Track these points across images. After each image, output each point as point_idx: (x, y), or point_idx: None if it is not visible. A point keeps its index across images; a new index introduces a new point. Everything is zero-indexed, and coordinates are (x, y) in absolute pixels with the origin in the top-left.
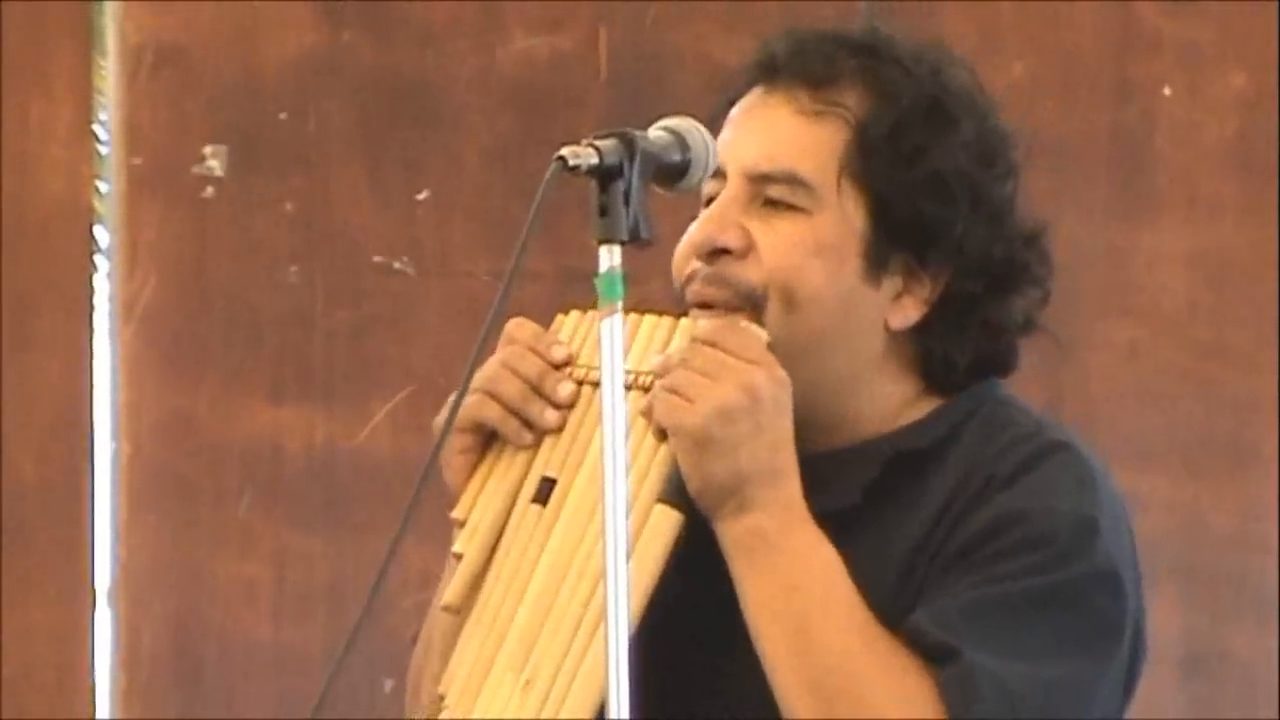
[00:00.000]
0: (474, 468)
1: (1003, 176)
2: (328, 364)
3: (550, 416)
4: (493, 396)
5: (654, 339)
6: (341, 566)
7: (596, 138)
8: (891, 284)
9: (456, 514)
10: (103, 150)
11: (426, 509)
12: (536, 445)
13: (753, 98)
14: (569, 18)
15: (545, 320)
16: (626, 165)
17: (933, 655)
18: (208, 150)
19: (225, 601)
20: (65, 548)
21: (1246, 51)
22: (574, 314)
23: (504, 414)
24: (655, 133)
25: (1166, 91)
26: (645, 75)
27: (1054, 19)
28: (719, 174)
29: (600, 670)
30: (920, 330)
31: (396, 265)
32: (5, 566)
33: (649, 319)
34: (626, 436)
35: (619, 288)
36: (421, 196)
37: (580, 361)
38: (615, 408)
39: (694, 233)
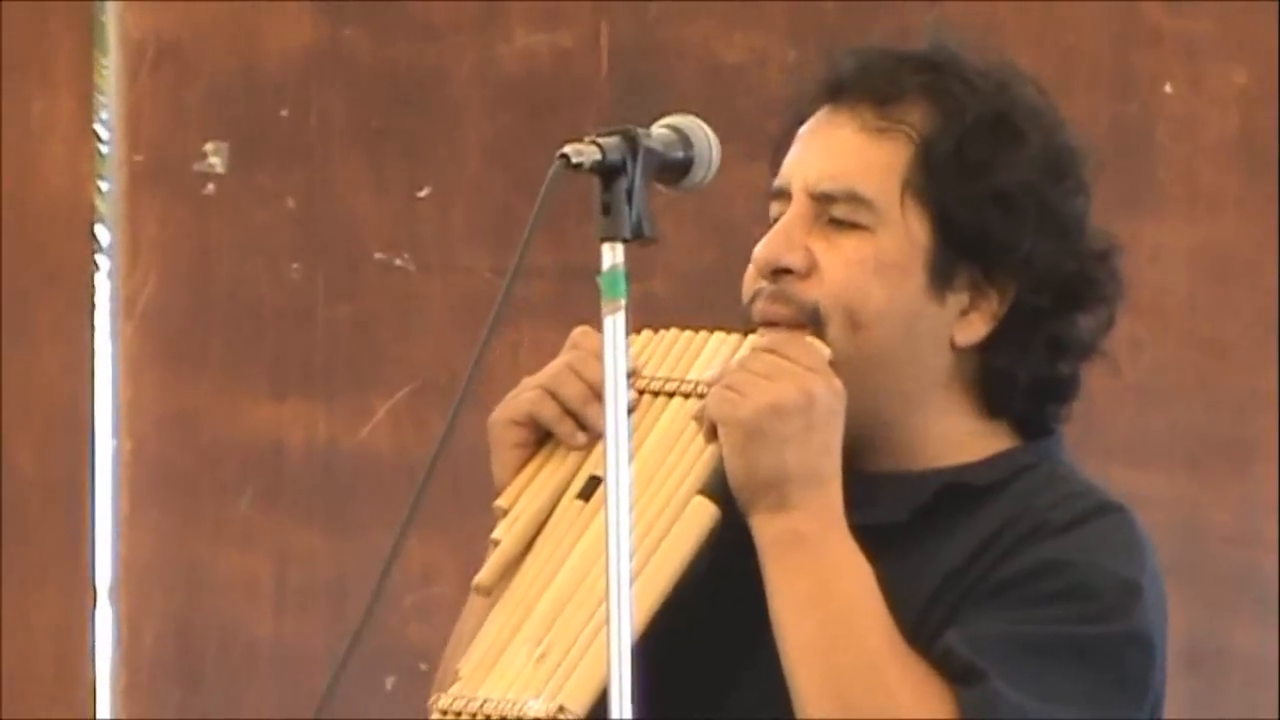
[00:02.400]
0: (524, 462)
1: (1072, 192)
2: (329, 360)
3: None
4: (553, 396)
5: (718, 354)
6: (343, 563)
7: (599, 135)
8: (957, 300)
9: (501, 503)
10: (104, 147)
11: (429, 506)
12: (589, 447)
13: (818, 117)
14: (571, 13)
15: (546, 316)
16: (629, 162)
17: (959, 676)
18: (209, 146)
19: (226, 598)
20: (66, 544)
21: (1247, 47)
22: (645, 333)
23: (560, 414)
24: (658, 130)
25: (1167, 87)
26: (647, 72)
27: (1055, 14)
28: (783, 194)
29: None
30: (985, 348)
31: (398, 262)
32: (5, 563)
33: (716, 335)
34: (675, 439)
35: (621, 286)
36: (423, 193)
37: (644, 373)
38: (618, 407)
39: (758, 252)
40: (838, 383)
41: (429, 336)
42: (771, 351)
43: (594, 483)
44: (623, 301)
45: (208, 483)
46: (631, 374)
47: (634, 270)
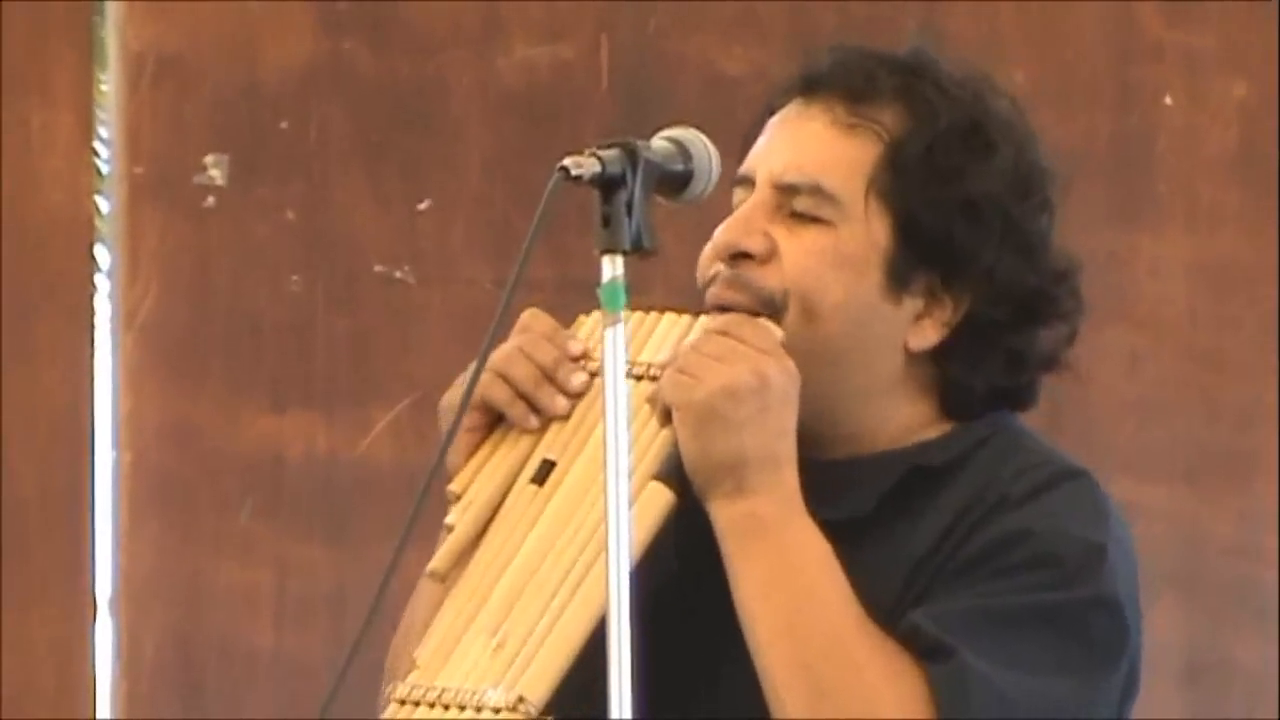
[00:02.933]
0: (476, 446)
1: (1038, 209)
2: (329, 372)
3: (560, 403)
4: (504, 379)
5: (669, 335)
6: (343, 575)
7: (599, 147)
8: (913, 304)
9: (453, 487)
10: (103, 160)
11: (428, 518)
12: (542, 430)
13: (790, 108)
14: (571, 26)
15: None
16: (629, 175)
17: (927, 653)
18: (209, 159)
19: (226, 610)
20: (66, 556)
21: (1247, 60)
22: (595, 314)
23: (512, 396)
24: (658, 142)
25: (1167, 100)
26: (647, 84)
27: (1055, 26)
28: (747, 181)
29: (570, 639)
30: (940, 354)
31: (398, 274)
32: (6, 575)
33: (667, 316)
34: (630, 422)
35: (621, 298)
36: (423, 205)
37: (596, 355)
38: (618, 413)
39: (718, 236)
40: (791, 365)
41: (429, 349)
42: (724, 334)
43: (547, 467)
44: (622, 314)
45: (208, 495)
46: (582, 356)
47: (634, 282)
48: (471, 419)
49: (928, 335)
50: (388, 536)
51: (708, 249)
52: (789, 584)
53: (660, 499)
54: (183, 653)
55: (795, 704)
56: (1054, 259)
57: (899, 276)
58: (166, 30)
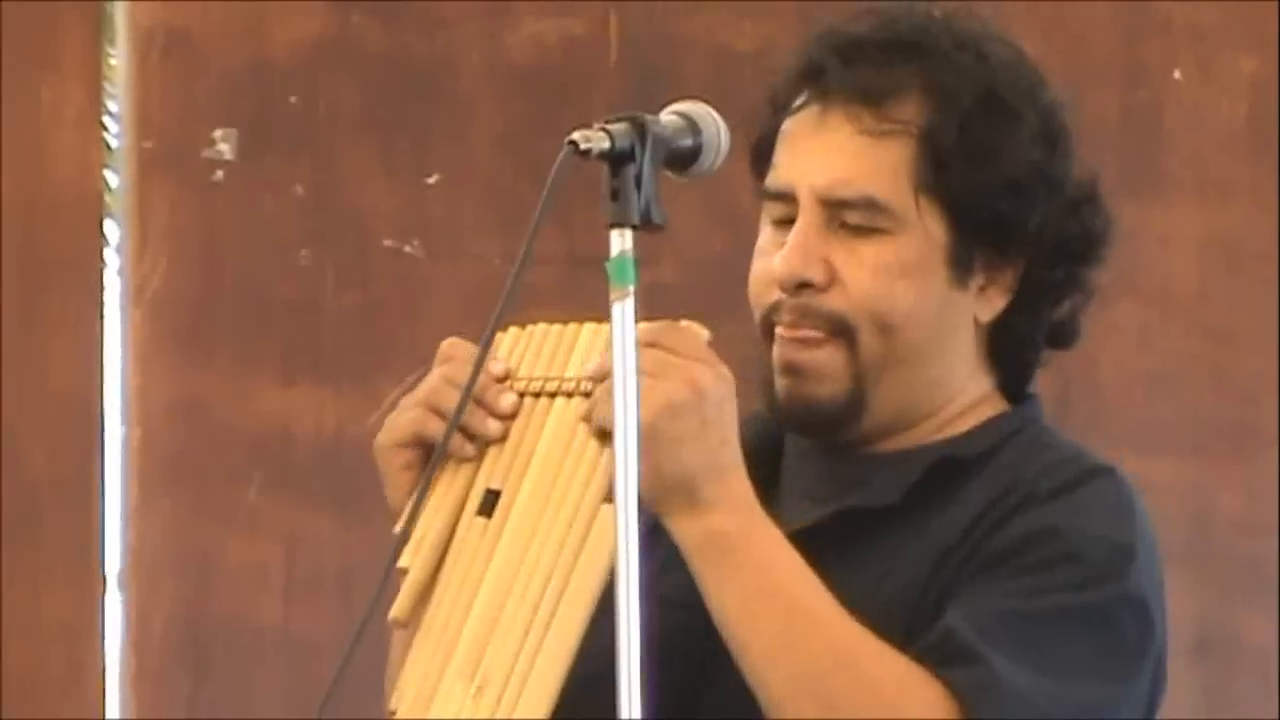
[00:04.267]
0: (415, 483)
1: (1065, 151)
2: (338, 347)
3: (493, 425)
4: (434, 411)
5: (595, 346)
6: (352, 550)
7: (608, 122)
8: (975, 282)
9: (398, 529)
10: (113, 134)
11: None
12: (479, 458)
13: (809, 117)
14: (580, 1)
15: (555, 303)
16: (638, 149)
17: (956, 658)
18: (218, 134)
19: (235, 586)
20: (75, 532)
21: (1257, 34)
22: (512, 330)
23: (442, 427)
24: (667, 117)
25: (1177, 75)
26: (656, 59)
27: (1064, 3)
28: (785, 197)
29: (552, 669)
30: (1003, 315)
31: (407, 249)
32: (15, 551)
33: (588, 326)
34: (568, 443)
35: (630, 272)
36: (432, 180)
37: (520, 374)
38: (627, 395)
39: (777, 266)
40: (724, 368)
41: (438, 323)
42: (652, 345)
43: (492, 496)
44: (631, 288)
45: (217, 470)
46: (505, 377)
47: (642, 257)
48: (407, 457)
49: (995, 304)
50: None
51: (761, 273)
52: (775, 600)
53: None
54: (191, 627)
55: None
56: (1079, 188)
57: (961, 265)
58: (175, 5)
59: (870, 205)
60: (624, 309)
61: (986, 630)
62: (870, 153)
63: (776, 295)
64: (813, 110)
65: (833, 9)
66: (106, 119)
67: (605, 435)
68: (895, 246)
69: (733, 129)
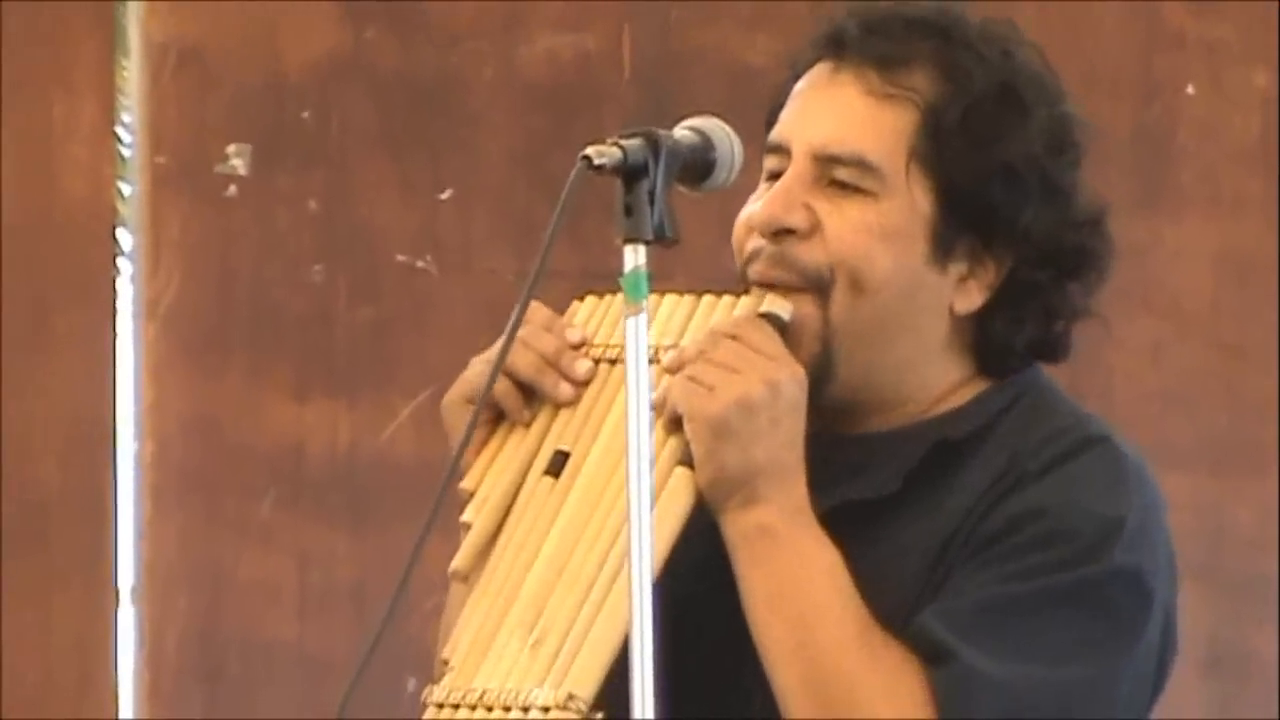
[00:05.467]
0: (485, 441)
1: (1071, 163)
2: (351, 362)
3: (565, 389)
4: (506, 372)
5: (674, 317)
6: (365, 566)
7: (621, 137)
8: (956, 269)
9: (466, 484)
10: (126, 150)
11: (450, 509)
12: (549, 420)
13: (820, 74)
14: (593, 17)
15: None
16: (651, 164)
17: (929, 656)
18: (231, 149)
19: (248, 601)
20: (88, 547)
21: (1270, 50)
22: (589, 299)
23: (508, 388)
24: (680, 132)
25: (1190, 90)
26: (669, 74)
27: (1077, 18)
28: (781, 150)
29: (613, 631)
30: (981, 314)
31: (420, 264)
32: (28, 566)
33: (669, 298)
34: (650, 407)
35: (644, 287)
36: (445, 195)
37: (596, 341)
38: (640, 400)
39: (758, 210)
40: (800, 370)
41: (451, 339)
42: (733, 338)
43: (561, 458)
44: (645, 303)
45: (230, 485)
46: (581, 343)
47: (656, 272)
48: (471, 413)
49: (973, 298)
50: (409, 526)
51: (743, 221)
52: (795, 599)
53: (691, 484)
54: (205, 642)
55: (802, 715)
56: (1084, 207)
57: (943, 244)
58: (189, 20)
59: (860, 164)
60: (638, 324)
61: (961, 623)
62: (871, 114)
63: (757, 242)
64: (824, 68)
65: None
66: (120, 133)
67: (675, 423)
68: (879, 209)
69: (746, 143)
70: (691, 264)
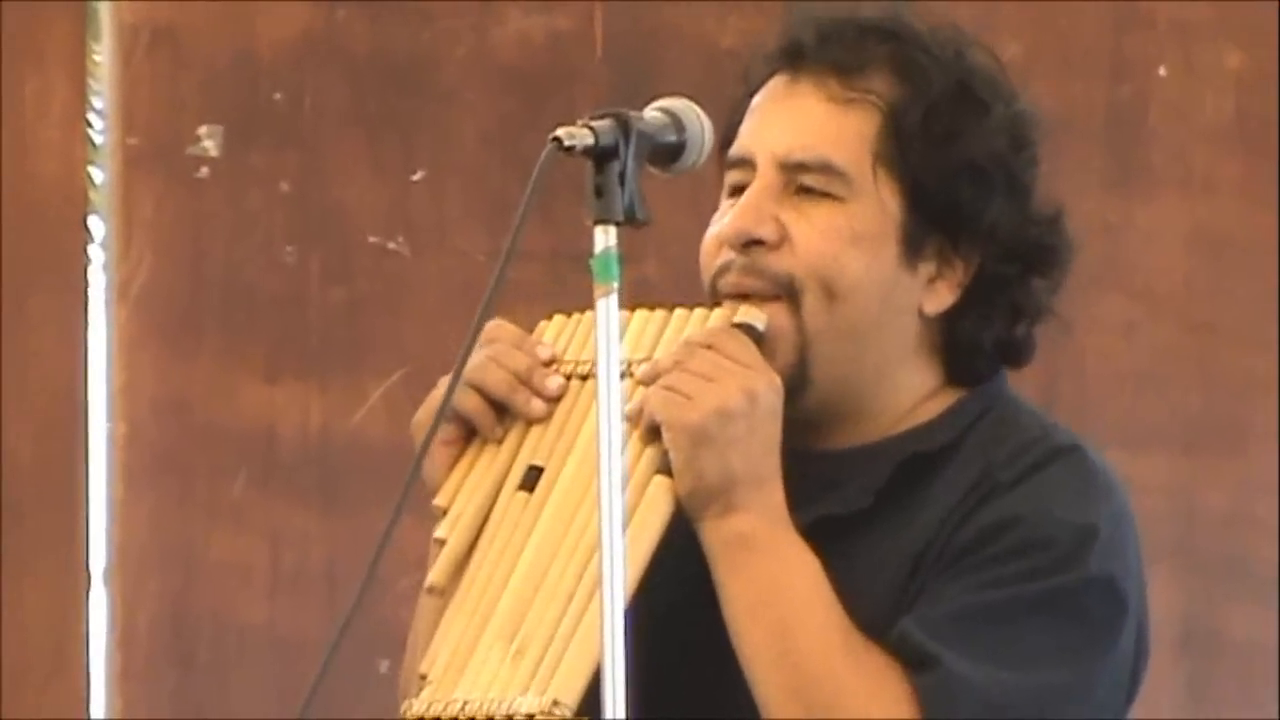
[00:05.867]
0: (456, 459)
1: (1030, 160)
2: (323, 344)
3: (536, 405)
4: (476, 389)
5: (645, 332)
6: (336, 547)
7: (592, 118)
8: (926, 269)
9: (439, 501)
10: (97, 131)
11: (421, 490)
12: (521, 436)
13: (779, 85)
14: None
15: (539, 299)
16: (622, 146)
17: (914, 662)
18: (203, 130)
19: (220, 582)
20: (60, 528)
21: (1243, 30)
22: (557, 318)
23: (481, 405)
24: (651, 114)
25: (1162, 70)
26: (642, 55)
27: None
28: (745, 163)
29: (595, 639)
30: (950, 314)
31: (392, 245)
32: (1, 547)
33: (639, 313)
34: (624, 418)
35: (614, 269)
36: (417, 176)
37: (566, 358)
38: (610, 391)
39: (726, 224)
40: (776, 378)
41: (423, 320)
42: (709, 347)
43: (535, 473)
44: (615, 285)
45: (202, 466)
46: (551, 360)
47: (626, 253)
48: (447, 432)
49: (943, 298)
50: (382, 508)
51: (712, 236)
52: (776, 602)
53: (667, 493)
54: (176, 623)
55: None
56: (1044, 205)
57: (913, 245)
58: (160, 1)
59: (826, 169)
60: (608, 305)
61: (941, 630)
62: (834, 119)
63: (727, 255)
64: (782, 79)
65: (816, 4)
66: (91, 115)
67: (653, 433)
68: (848, 213)
69: (717, 125)
70: (662, 245)
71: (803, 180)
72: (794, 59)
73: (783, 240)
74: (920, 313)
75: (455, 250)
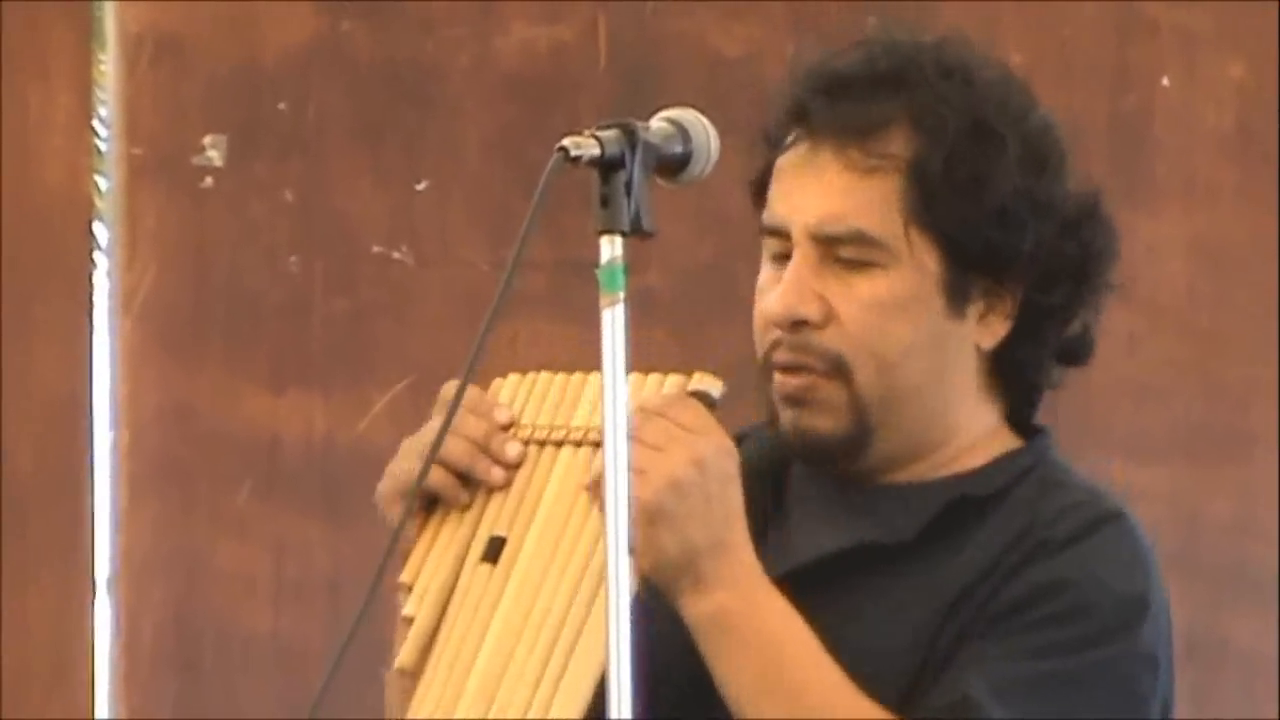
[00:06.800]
0: (420, 529)
1: (1055, 175)
2: (327, 353)
3: (497, 473)
4: (438, 460)
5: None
6: (340, 556)
7: (598, 128)
8: (974, 309)
9: (404, 578)
10: (102, 140)
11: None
12: (483, 506)
13: (799, 155)
14: (569, 7)
15: (547, 312)
16: (628, 156)
17: (964, 712)
18: (207, 140)
19: (224, 590)
20: (65, 536)
21: (1245, 41)
22: (512, 377)
23: (446, 479)
24: (657, 123)
25: (1165, 81)
26: (645, 64)
27: (1053, 8)
28: (781, 234)
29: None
30: (1006, 342)
31: (396, 255)
32: (5, 555)
33: (594, 376)
34: (578, 494)
35: (620, 279)
36: (421, 186)
37: (524, 422)
38: (617, 399)
39: (773, 304)
40: (727, 440)
41: (427, 330)
42: (659, 415)
43: (497, 543)
44: (621, 295)
45: (206, 475)
46: (510, 425)
47: (632, 264)
48: (406, 506)
49: (996, 331)
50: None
51: (762, 314)
52: (777, 683)
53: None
54: (181, 631)
55: None
56: (1077, 205)
57: (957, 294)
58: (164, 11)
59: (861, 239)
60: (614, 315)
61: (1003, 695)
62: (859, 188)
63: (776, 333)
64: (802, 148)
65: (821, 13)
66: (96, 125)
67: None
68: (889, 281)
69: (722, 135)
70: (667, 255)
71: (840, 252)
72: (807, 123)
73: (829, 319)
74: (978, 350)
75: (459, 260)
